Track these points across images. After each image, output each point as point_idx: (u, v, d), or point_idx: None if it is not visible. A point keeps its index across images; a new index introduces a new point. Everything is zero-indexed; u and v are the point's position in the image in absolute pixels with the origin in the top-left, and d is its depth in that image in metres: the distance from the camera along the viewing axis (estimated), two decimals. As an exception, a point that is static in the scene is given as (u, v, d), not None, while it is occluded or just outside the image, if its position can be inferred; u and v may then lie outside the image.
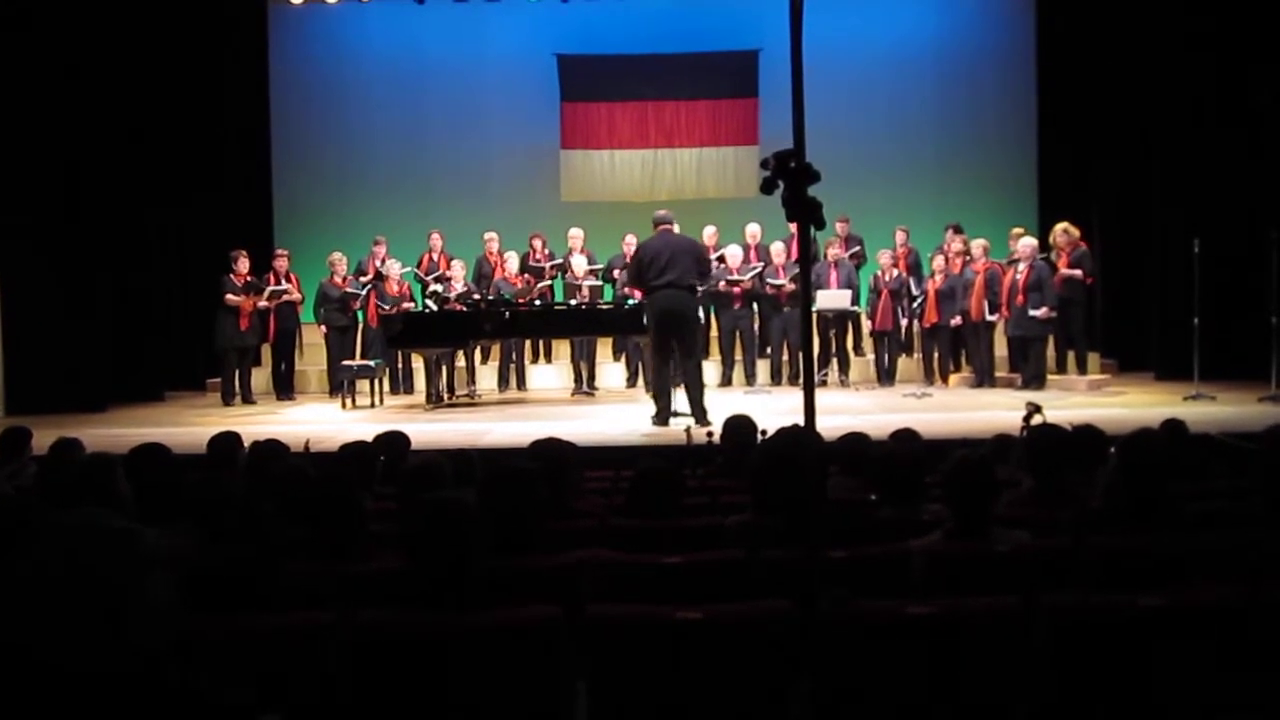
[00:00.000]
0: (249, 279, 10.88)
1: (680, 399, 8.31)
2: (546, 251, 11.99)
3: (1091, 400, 9.50)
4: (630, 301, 10.84)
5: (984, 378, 10.82)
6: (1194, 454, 4.88)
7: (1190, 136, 10.88)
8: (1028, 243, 10.53)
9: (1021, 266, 10.38)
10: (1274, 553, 2.59)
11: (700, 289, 8.82)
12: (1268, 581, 2.36)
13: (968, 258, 11.01)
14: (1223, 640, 2.26)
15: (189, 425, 8.95)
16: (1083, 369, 10.71)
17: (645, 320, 8.70)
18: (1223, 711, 1.18)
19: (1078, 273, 10.42)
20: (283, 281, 11.08)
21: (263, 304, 10.95)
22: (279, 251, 11.42)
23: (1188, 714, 1.19)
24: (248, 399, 10.89)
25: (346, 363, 10.71)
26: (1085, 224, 11.00)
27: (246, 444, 5.00)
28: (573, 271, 11.56)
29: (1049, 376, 10.47)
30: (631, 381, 11.61)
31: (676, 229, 8.57)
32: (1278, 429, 4.29)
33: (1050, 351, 10.67)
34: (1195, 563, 2.79)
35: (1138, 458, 3.30)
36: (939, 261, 11.11)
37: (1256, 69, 10.24)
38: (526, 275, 11.72)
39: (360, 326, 11.42)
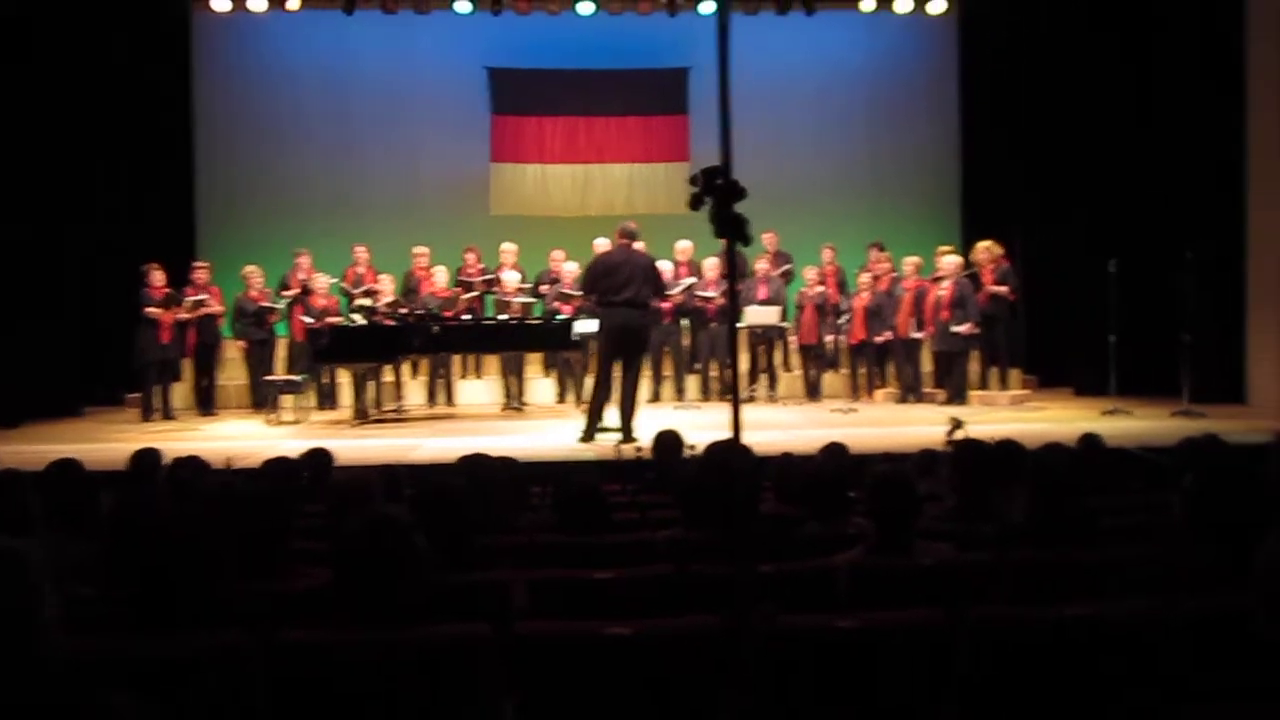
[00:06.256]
0: (168, 291, 10.65)
1: (610, 416, 8.29)
2: (480, 266, 11.91)
3: (1013, 415, 9.70)
4: (560, 317, 10.82)
5: (909, 393, 11.00)
6: (1111, 467, 5.01)
7: (1107, 160, 11.21)
8: (951, 260, 10.75)
9: (945, 283, 10.59)
10: (1187, 565, 2.66)
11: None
12: (1181, 593, 2.43)
13: (896, 275, 11.21)
14: (1138, 650, 2.31)
15: (107, 441, 8.73)
16: (1005, 384, 10.95)
17: (596, 334, 8.57)
18: (1133, 717, 1.22)
19: (1004, 289, 10.66)
20: (202, 293, 10.87)
21: (184, 315, 10.73)
22: (198, 264, 11.19)
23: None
24: (168, 414, 10.64)
25: (271, 378, 10.53)
26: (1007, 244, 11.25)
27: (167, 460, 4.90)
28: (503, 286, 11.50)
29: (972, 392, 10.68)
30: (561, 397, 11.58)
31: (641, 245, 8.46)
32: (1191, 442, 4.43)
33: (974, 367, 10.89)
34: (1112, 575, 2.86)
35: (1047, 471, 3.37)
36: (865, 279, 11.27)
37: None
38: (456, 288, 11.64)
39: (281, 341, 11.26)
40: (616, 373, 8.27)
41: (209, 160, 13.01)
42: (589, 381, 9.47)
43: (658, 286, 8.53)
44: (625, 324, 8.12)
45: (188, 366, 11.22)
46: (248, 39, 13.25)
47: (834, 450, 5.11)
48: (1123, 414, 9.35)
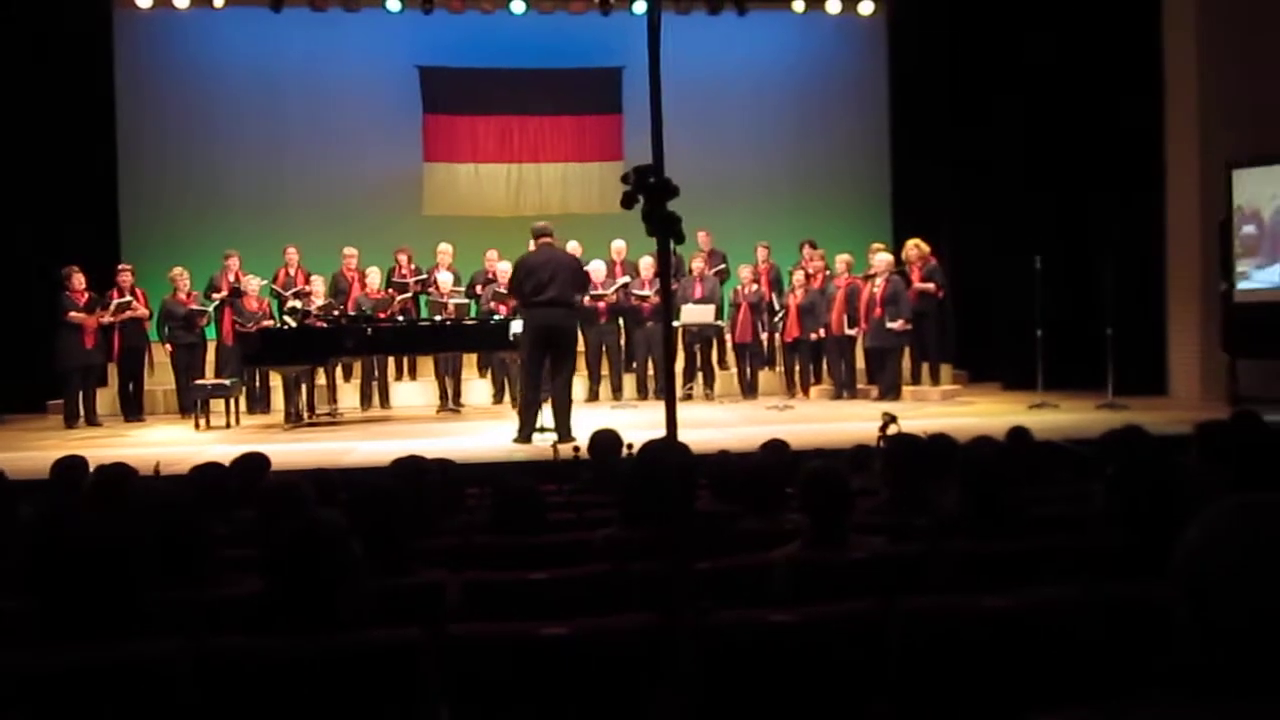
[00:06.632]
0: (91, 295, 10.39)
1: (545, 416, 8.26)
2: (412, 266, 11.81)
3: (944, 410, 9.85)
4: (496, 317, 10.76)
5: (843, 389, 11.12)
6: (1039, 459, 5.12)
7: (1032, 158, 11.44)
8: (883, 258, 10.89)
9: (878, 281, 10.73)
10: (1110, 553, 2.72)
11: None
12: (1103, 580, 2.49)
13: (828, 273, 11.33)
14: (1061, 636, 2.36)
15: (29, 449, 8.51)
16: (936, 380, 11.12)
17: (521, 335, 8.54)
18: (1062, 704, 1.24)
19: (930, 286, 10.83)
20: (127, 296, 10.64)
21: (107, 319, 10.49)
22: (122, 266, 10.94)
23: (1031, 708, 1.25)
24: (93, 421, 10.39)
25: (200, 382, 10.33)
26: (936, 241, 11.43)
27: (93, 468, 4.79)
28: (437, 287, 11.41)
29: (904, 387, 10.83)
30: (498, 398, 11.52)
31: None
32: (1114, 434, 4.53)
33: (905, 363, 11.04)
34: (1040, 563, 2.92)
35: (977, 464, 3.43)
36: (799, 277, 11.37)
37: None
38: (389, 290, 11.54)
39: (210, 344, 11.06)
40: (546, 372, 8.25)
41: (132, 161, 12.72)
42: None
43: (581, 284, 8.53)
44: (550, 323, 8.11)
45: (113, 372, 10.98)
46: (172, 36, 12.98)
47: (774, 446, 5.14)
48: (1050, 407, 9.55)
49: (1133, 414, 8.50)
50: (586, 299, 11.14)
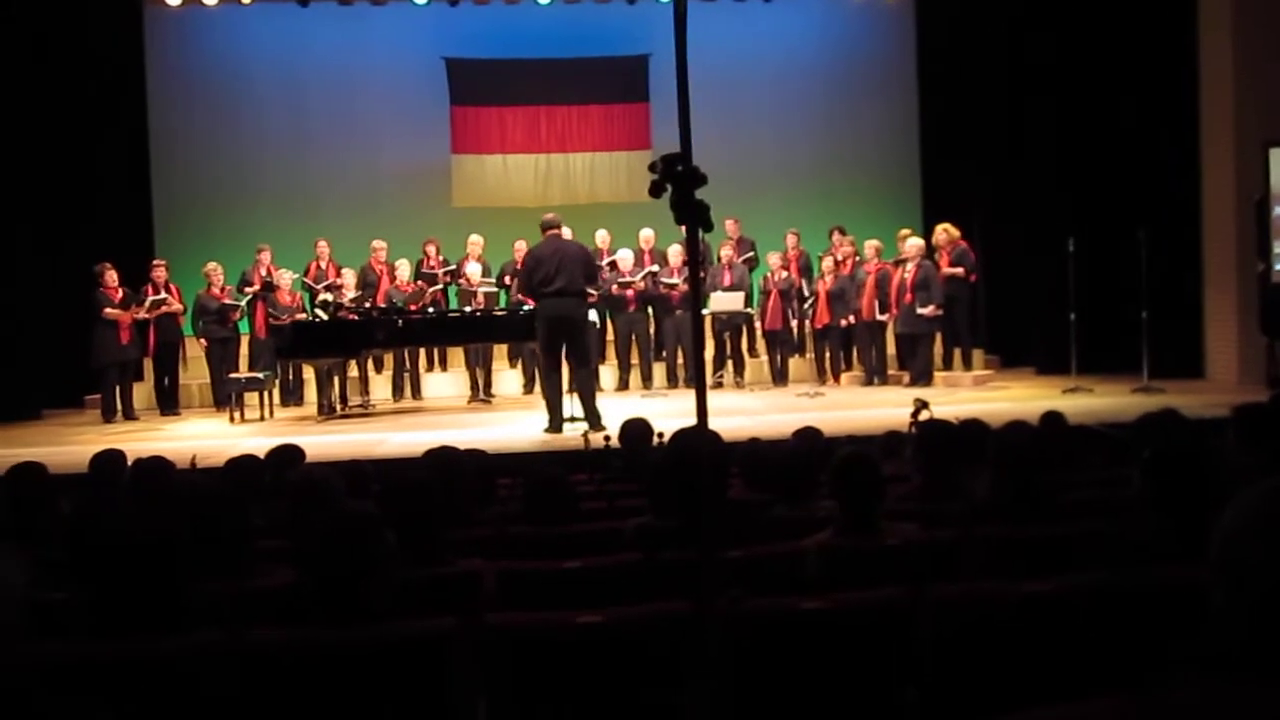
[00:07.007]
0: (125, 291, 10.51)
1: (574, 405, 8.28)
2: (440, 258, 11.87)
3: (976, 395, 9.79)
4: (525, 308, 10.79)
5: (874, 375, 11.07)
6: (1073, 444, 5.07)
7: (1063, 141, 11.30)
8: (914, 243, 10.82)
9: (909, 266, 10.67)
10: (1146, 538, 2.70)
11: (592, 294, 8.76)
12: (1139, 566, 2.47)
13: (859, 259, 11.28)
14: (1096, 621, 2.35)
15: (68, 444, 8.63)
16: (968, 365, 11.05)
17: (536, 327, 8.58)
18: (1096, 689, 1.24)
19: (959, 270, 10.75)
20: (162, 292, 10.75)
21: (142, 315, 10.60)
22: (157, 261, 11.05)
23: (1065, 694, 1.25)
24: (130, 415, 10.52)
25: (234, 375, 10.43)
26: (967, 225, 11.33)
27: (131, 462, 4.85)
28: (467, 278, 11.46)
29: (936, 373, 10.76)
30: (528, 388, 11.55)
31: (566, 232, 8.46)
32: (1149, 417, 4.49)
33: (937, 349, 10.97)
34: (1074, 549, 2.90)
35: (1010, 450, 3.41)
36: (829, 263, 11.32)
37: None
38: (419, 282, 11.59)
39: (243, 338, 11.16)
40: (564, 362, 8.27)
41: (164, 156, 12.84)
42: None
43: (590, 273, 8.52)
44: (560, 313, 8.13)
45: (149, 366, 11.11)
46: (201, 33, 13.08)
47: (806, 434, 5.13)
48: (1084, 391, 9.46)
49: (1169, 397, 8.41)
50: (614, 287, 11.17)
